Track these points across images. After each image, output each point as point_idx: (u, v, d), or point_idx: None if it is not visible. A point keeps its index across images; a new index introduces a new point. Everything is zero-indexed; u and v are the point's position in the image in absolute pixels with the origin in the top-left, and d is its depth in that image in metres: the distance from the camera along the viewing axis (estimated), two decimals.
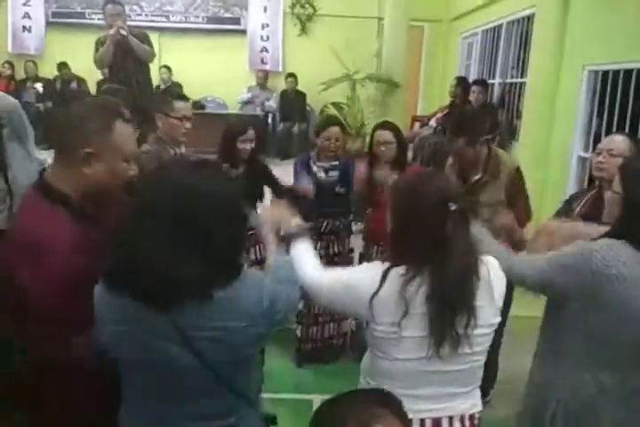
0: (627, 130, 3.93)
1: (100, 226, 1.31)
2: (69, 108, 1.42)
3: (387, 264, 1.45)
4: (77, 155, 1.33)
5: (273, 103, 8.51)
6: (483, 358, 1.51)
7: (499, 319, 1.49)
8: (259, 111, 8.38)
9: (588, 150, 4.58)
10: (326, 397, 1.12)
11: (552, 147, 5.03)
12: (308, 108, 8.85)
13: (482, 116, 3.01)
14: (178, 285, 1.13)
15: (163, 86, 8.30)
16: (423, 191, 1.43)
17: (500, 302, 1.50)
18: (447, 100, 7.25)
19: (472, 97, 6.28)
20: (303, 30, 9.07)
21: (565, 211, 2.48)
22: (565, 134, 4.82)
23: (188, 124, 2.77)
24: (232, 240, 1.23)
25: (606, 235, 1.62)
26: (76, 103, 1.44)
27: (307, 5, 8.93)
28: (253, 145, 3.15)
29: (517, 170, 2.79)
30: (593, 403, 1.57)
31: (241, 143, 3.10)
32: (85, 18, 8.87)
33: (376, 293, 1.40)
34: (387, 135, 3.12)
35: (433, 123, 7.16)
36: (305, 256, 1.61)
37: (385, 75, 4.63)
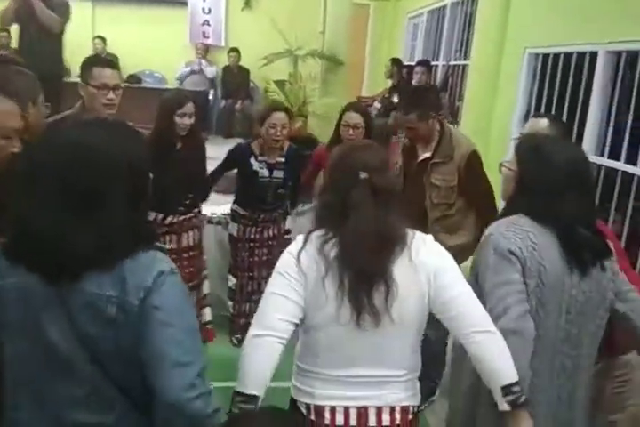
0: (564, 111, 3.98)
1: None
2: None
3: (306, 233, 1.50)
4: None
5: (210, 73, 8.18)
6: (413, 339, 1.47)
7: (425, 300, 1.43)
8: (201, 84, 8.07)
9: None
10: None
11: (493, 129, 5.07)
12: (252, 84, 8.63)
13: (435, 92, 2.97)
14: (70, 257, 1.07)
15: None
16: (342, 158, 1.53)
17: (426, 282, 1.42)
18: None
19: (415, 78, 6.27)
20: (247, 4, 8.78)
21: None
22: (506, 117, 4.86)
23: (110, 95, 2.40)
24: (131, 204, 1.14)
25: (503, 213, 1.69)
26: None
27: None
28: (193, 120, 2.96)
29: (474, 153, 2.70)
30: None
31: (179, 117, 2.92)
32: None
33: (300, 250, 1.44)
34: (357, 118, 2.98)
35: (377, 104, 7.14)
36: None
37: (328, 52, 4.51)
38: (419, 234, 1.49)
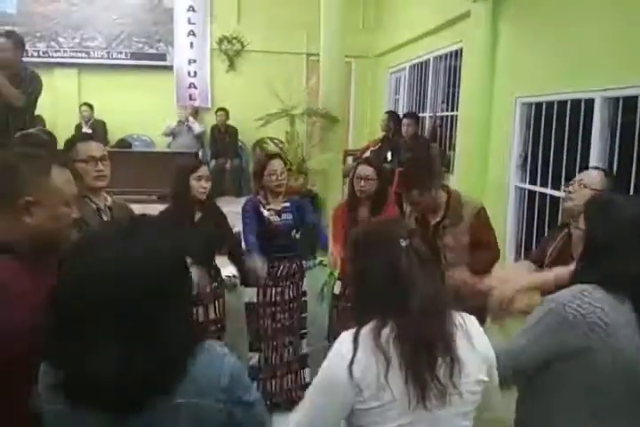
0: (564, 159, 3.99)
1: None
2: None
3: (352, 332, 1.31)
4: (17, 204, 1.31)
5: (197, 128, 8.21)
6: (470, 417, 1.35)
7: (485, 377, 1.34)
8: (189, 146, 8.07)
9: (526, 181, 4.63)
10: None
11: (489, 178, 5.07)
12: (240, 143, 8.67)
13: (426, 161, 2.99)
14: (135, 389, 0.95)
15: (84, 125, 7.90)
16: (373, 233, 1.42)
17: (483, 359, 1.34)
18: (377, 134, 7.30)
19: (403, 130, 6.36)
20: (231, 66, 8.96)
21: (538, 257, 2.36)
22: (501, 166, 4.87)
23: (100, 166, 2.29)
24: (182, 309, 1.04)
25: (572, 280, 1.50)
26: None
27: (234, 41, 8.84)
28: (209, 184, 2.90)
29: (481, 211, 2.71)
30: None
31: (195, 181, 2.85)
32: None
33: (352, 362, 1.25)
34: (368, 171, 3.10)
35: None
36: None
37: (323, 110, 4.56)
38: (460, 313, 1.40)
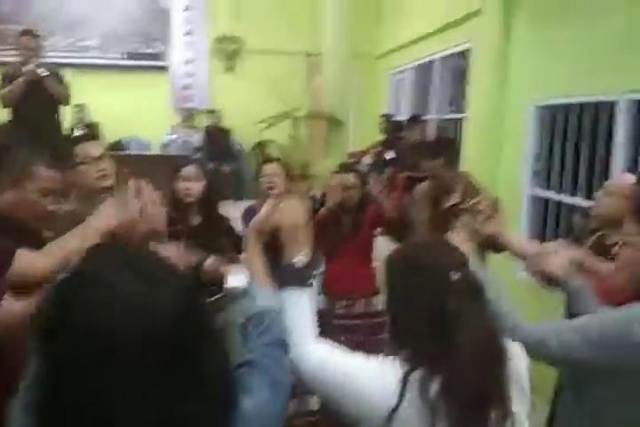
0: (583, 165, 3.78)
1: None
2: None
3: (402, 368, 1.09)
4: None
5: (196, 141, 8.00)
6: None
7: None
8: (186, 150, 7.86)
9: (544, 188, 4.40)
10: None
11: (500, 186, 4.84)
12: (237, 146, 8.45)
13: (454, 143, 2.94)
14: None
15: (78, 126, 7.66)
16: (416, 262, 1.18)
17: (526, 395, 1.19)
18: (377, 137, 7.10)
19: (406, 133, 6.17)
20: (230, 66, 8.73)
21: None
22: (514, 173, 4.65)
23: (102, 165, 2.22)
24: (220, 359, 0.86)
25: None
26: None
27: (232, 41, 8.62)
28: (199, 186, 2.63)
29: (497, 201, 2.60)
30: None
31: (179, 182, 2.60)
32: None
33: (396, 408, 1.06)
34: (349, 178, 2.93)
35: (367, 159, 6.98)
36: (303, 320, 1.18)
37: (327, 112, 4.34)
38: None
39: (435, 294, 1.10)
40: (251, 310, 1.09)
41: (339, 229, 2.93)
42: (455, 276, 1.10)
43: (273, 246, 1.23)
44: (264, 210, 1.26)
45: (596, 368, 1.38)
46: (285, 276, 1.18)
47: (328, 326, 3.02)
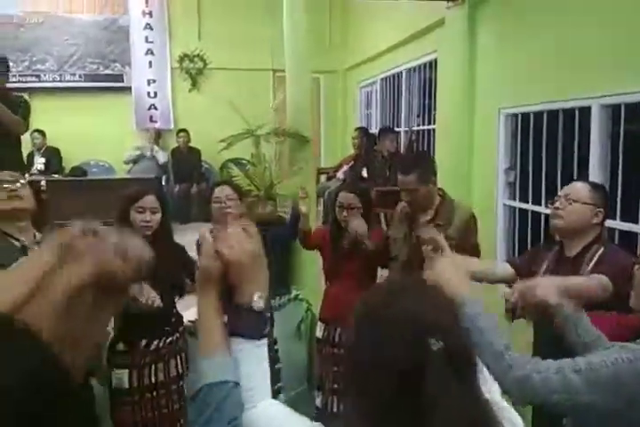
0: (558, 172, 3.61)
1: None
2: None
3: None
4: None
5: (162, 157, 7.70)
6: None
7: None
8: (151, 171, 7.56)
9: (515, 198, 4.25)
10: None
11: (474, 197, 4.67)
12: (206, 166, 8.19)
13: (428, 155, 2.96)
14: None
15: (36, 153, 7.35)
16: (390, 318, 0.86)
17: None
18: (350, 152, 6.93)
19: (380, 145, 6.00)
20: (194, 85, 8.51)
21: (520, 267, 2.19)
22: (487, 183, 4.49)
23: (8, 185, 2.05)
24: None
25: None
26: None
27: (196, 59, 8.40)
28: (157, 218, 2.41)
29: (473, 217, 2.65)
30: None
31: (136, 213, 2.37)
32: None
33: None
34: (350, 198, 2.79)
35: (340, 175, 6.79)
36: (259, 380, 0.94)
37: (291, 129, 4.15)
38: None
39: (406, 366, 0.81)
40: (195, 386, 0.85)
41: (341, 245, 2.83)
42: (436, 345, 0.81)
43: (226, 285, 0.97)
44: (204, 247, 1.00)
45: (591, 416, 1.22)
46: (236, 322, 0.92)
47: (324, 355, 2.96)
